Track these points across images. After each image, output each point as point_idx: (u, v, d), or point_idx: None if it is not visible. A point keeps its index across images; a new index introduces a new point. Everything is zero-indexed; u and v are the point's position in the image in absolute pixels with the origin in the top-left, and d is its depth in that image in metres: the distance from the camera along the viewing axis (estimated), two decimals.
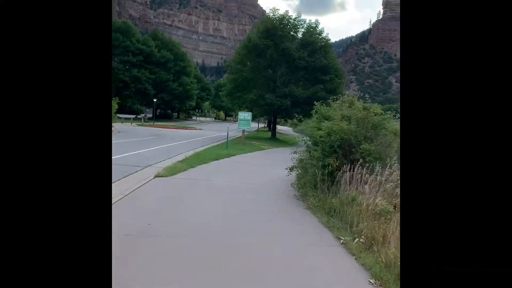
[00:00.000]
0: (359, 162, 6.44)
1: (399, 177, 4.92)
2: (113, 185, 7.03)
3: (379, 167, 5.92)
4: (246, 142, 24.28)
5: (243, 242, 4.95)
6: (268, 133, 41.32)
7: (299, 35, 31.63)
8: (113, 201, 6.14)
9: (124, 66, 51.38)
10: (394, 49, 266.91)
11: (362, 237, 4.86)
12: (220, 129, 42.26)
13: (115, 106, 31.36)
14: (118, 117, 41.55)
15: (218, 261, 4.18)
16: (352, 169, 6.49)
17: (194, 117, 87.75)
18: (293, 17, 31.41)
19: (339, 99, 10.01)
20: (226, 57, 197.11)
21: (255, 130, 46.41)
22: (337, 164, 7.07)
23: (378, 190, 5.58)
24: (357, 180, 6.28)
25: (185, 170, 10.78)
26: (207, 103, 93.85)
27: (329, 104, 9.87)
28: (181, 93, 59.84)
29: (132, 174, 9.65)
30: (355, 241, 4.87)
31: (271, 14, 31.29)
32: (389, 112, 8.20)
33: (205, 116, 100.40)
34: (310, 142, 9.14)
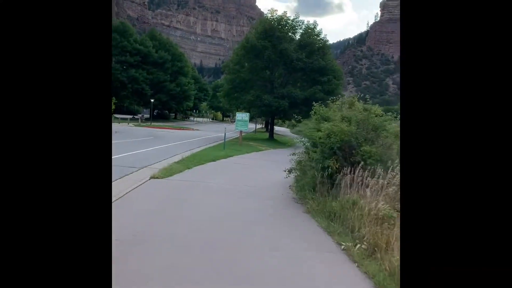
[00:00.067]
0: (360, 165, 6.25)
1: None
2: None
3: (381, 170, 5.73)
4: (244, 143, 24.11)
5: (239, 248, 4.75)
6: (265, 134, 41.13)
7: (297, 36, 31.47)
8: None
9: (121, 66, 51.07)
10: (392, 51, 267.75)
11: (364, 243, 4.67)
12: (217, 130, 42.06)
13: (112, 106, 31.16)
14: (115, 117, 41.37)
15: (210, 271, 3.97)
16: (352, 172, 6.31)
17: (191, 118, 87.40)
18: (291, 18, 31.30)
19: (338, 100, 9.85)
20: (224, 58, 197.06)
21: (253, 131, 46.23)
22: (337, 166, 6.89)
23: (380, 194, 5.39)
24: (358, 183, 6.09)
25: (181, 171, 10.58)
26: (204, 103, 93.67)
27: (328, 105, 9.69)
28: (178, 93, 59.60)
29: (127, 175, 9.46)
30: (357, 247, 4.67)
31: (269, 15, 31.11)
32: (390, 113, 8.04)
33: (202, 116, 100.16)
34: (309, 144, 8.95)
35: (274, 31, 29.42)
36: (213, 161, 13.92)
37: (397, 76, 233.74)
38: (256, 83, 30.92)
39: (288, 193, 8.63)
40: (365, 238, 4.75)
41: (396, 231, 4.44)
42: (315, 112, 9.32)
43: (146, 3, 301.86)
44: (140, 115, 52.95)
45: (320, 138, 7.31)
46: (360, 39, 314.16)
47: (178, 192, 7.99)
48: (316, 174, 7.13)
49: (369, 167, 6.19)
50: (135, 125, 39.88)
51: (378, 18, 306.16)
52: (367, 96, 8.73)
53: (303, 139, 9.73)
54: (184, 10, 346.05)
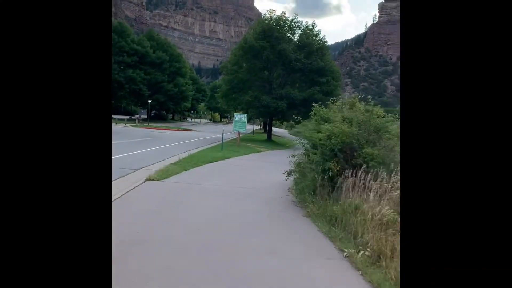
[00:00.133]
0: (362, 168, 6.04)
1: None
2: None
3: (385, 173, 5.53)
4: (242, 144, 23.91)
5: (235, 254, 4.53)
6: (263, 135, 40.91)
7: (296, 36, 31.27)
8: None
9: (118, 66, 50.63)
10: (390, 52, 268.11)
11: (368, 249, 4.46)
12: (215, 130, 41.77)
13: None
14: (112, 118, 41.05)
15: (204, 280, 3.76)
16: (354, 175, 6.11)
17: (189, 119, 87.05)
18: (290, 18, 31.08)
19: (338, 100, 9.67)
20: (222, 59, 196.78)
21: (251, 132, 46.01)
22: (337, 168, 6.68)
23: (384, 198, 5.18)
24: (360, 186, 5.89)
25: (177, 173, 10.36)
26: (202, 104, 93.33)
27: (328, 106, 9.49)
28: (176, 94, 59.27)
29: (123, 176, 9.26)
30: (360, 254, 4.46)
31: (268, 15, 30.87)
32: (391, 114, 7.87)
33: (200, 117, 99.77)
34: (308, 145, 8.75)
35: (273, 31, 29.20)
36: (211, 162, 13.71)
37: (395, 78, 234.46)
38: (254, 84, 30.68)
39: (287, 196, 8.43)
40: (368, 245, 4.54)
41: None
42: (314, 113, 9.13)
43: (144, 4, 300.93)
44: (137, 116, 52.53)
45: (320, 139, 7.10)
46: (358, 40, 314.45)
47: (175, 195, 7.77)
48: (316, 176, 6.92)
49: (371, 170, 5.99)
50: (132, 126, 39.62)
51: (376, 20, 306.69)
52: (369, 96, 8.53)
53: (302, 141, 9.52)
54: (182, 11, 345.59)
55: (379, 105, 8.18)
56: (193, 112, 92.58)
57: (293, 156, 9.01)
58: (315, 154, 7.38)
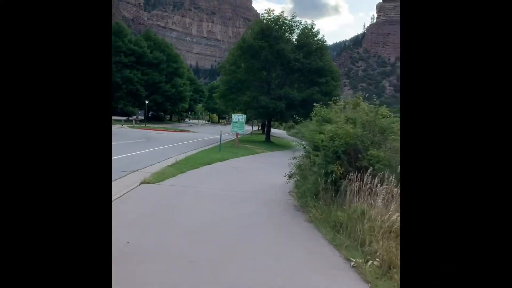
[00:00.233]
0: (368, 171, 5.73)
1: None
2: None
3: (392, 176, 5.22)
4: (240, 145, 23.58)
5: (238, 261, 4.22)
6: (262, 136, 40.58)
7: (295, 36, 30.97)
8: None
9: (116, 66, 50.16)
10: (388, 53, 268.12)
11: (377, 259, 4.15)
12: (213, 131, 41.43)
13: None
14: None
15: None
16: (360, 178, 5.79)
17: (187, 120, 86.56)
18: (289, 18, 30.76)
19: (340, 100, 9.38)
20: (220, 60, 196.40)
21: (249, 133, 45.68)
22: (341, 171, 6.37)
23: (392, 203, 4.87)
24: (366, 190, 5.58)
25: (174, 175, 10.03)
26: (200, 105, 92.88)
27: (330, 106, 9.19)
28: (173, 94, 58.83)
29: (117, 179, 8.92)
30: (369, 264, 4.15)
31: (266, 15, 30.53)
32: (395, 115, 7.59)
33: (198, 118, 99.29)
34: (309, 147, 8.44)
35: (271, 31, 28.90)
36: (209, 164, 13.39)
37: (393, 78, 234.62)
38: (253, 84, 30.33)
39: (287, 199, 8.11)
40: (377, 254, 4.23)
41: None
42: (315, 114, 8.84)
43: (141, 4, 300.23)
44: (134, 117, 52.10)
45: (322, 141, 6.80)
46: (357, 41, 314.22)
47: (170, 199, 7.43)
48: (319, 179, 6.61)
49: (377, 173, 5.68)
50: (129, 127, 39.24)
51: (375, 20, 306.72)
52: (374, 96, 8.23)
53: (303, 142, 9.22)
54: (179, 12, 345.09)
55: (384, 105, 7.88)
56: (191, 113, 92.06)
57: (294, 158, 8.70)
58: (317, 156, 7.07)
